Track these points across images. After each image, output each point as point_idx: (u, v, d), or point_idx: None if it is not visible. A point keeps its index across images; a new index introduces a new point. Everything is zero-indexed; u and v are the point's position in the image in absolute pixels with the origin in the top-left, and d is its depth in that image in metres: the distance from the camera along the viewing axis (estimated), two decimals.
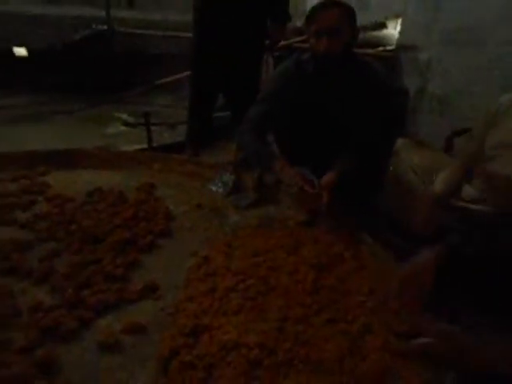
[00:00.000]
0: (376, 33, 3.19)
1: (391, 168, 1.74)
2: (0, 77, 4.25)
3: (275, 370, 0.81)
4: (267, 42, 2.43)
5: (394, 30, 3.16)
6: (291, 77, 1.52)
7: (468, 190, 1.32)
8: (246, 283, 1.05)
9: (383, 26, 3.18)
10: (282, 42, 3.04)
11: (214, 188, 1.83)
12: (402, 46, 3.10)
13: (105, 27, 3.86)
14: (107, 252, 1.27)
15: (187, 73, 3.40)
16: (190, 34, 3.19)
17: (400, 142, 2.01)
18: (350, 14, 1.38)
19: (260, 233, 1.40)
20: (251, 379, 0.79)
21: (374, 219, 1.54)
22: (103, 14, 3.94)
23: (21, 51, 4.45)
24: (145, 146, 2.88)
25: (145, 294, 1.12)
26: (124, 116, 3.85)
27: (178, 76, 3.58)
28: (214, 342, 0.87)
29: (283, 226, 1.48)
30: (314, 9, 1.37)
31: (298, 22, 3.67)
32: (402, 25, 3.12)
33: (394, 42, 3.17)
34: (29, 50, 4.34)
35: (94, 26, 3.90)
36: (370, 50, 3.03)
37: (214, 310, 0.98)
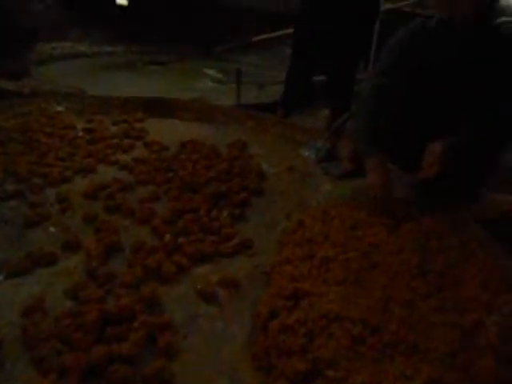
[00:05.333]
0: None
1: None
2: (100, 24, 4.44)
3: (379, 351, 0.77)
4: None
5: None
6: (417, 47, 1.34)
7: None
8: (346, 255, 1.00)
9: None
10: (390, 6, 2.81)
11: (306, 153, 1.77)
12: None
13: None
14: (203, 203, 1.28)
15: (280, 32, 3.30)
16: None
17: None
18: None
19: (356, 205, 1.32)
20: (354, 354, 0.76)
21: (484, 206, 1.40)
22: None
23: (121, 0, 4.58)
24: (232, 103, 2.85)
25: (239, 249, 1.11)
26: (212, 72, 3.85)
27: (273, 34, 3.47)
28: (314, 309, 0.84)
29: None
30: None
31: None
32: None
33: None
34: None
35: None
36: None
37: (313, 276, 0.95)
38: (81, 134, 1.73)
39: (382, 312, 0.85)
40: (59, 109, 1.95)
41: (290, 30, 2.49)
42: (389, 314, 0.85)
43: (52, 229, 1.15)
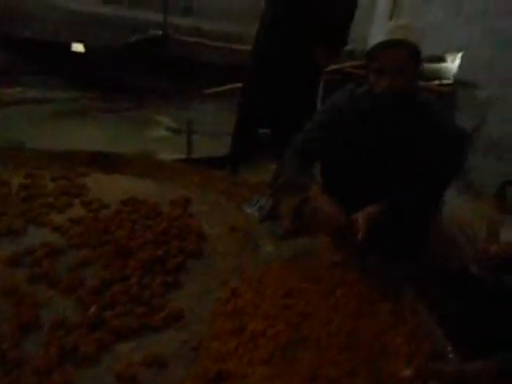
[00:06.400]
0: (432, 65, 3.07)
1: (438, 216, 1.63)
2: (55, 70, 4.41)
3: None
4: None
5: (452, 63, 3.04)
6: (344, 112, 1.44)
7: None
8: (275, 328, 0.99)
9: (441, 59, 3.05)
10: (333, 66, 2.98)
11: (249, 211, 1.77)
12: (460, 82, 2.97)
13: (160, 33, 3.93)
14: (136, 269, 1.24)
15: (236, 85, 3.40)
16: (241, 47, 3.19)
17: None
18: (415, 54, 1.29)
19: (293, 268, 1.32)
20: None
21: (416, 271, 1.43)
22: (161, 18, 4.03)
23: (78, 47, 4.60)
24: (183, 155, 2.87)
25: (169, 322, 1.07)
26: (166, 121, 3.88)
27: (226, 87, 3.58)
28: None
29: (319, 263, 1.40)
30: (380, 45, 1.29)
31: (350, 46, 3.59)
32: (463, 59, 2.99)
33: (451, 77, 3.04)
34: (86, 47, 4.48)
35: (150, 31, 3.98)
36: (424, 83, 2.91)
37: (239, 354, 0.92)
38: (15, 191, 1.66)
39: None
40: None
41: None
42: None
43: None
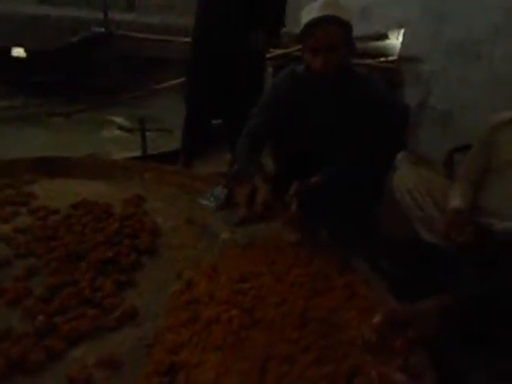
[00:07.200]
0: (377, 43, 3.14)
1: (388, 186, 1.68)
2: None
3: None
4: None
5: (396, 40, 3.11)
6: (286, 91, 1.46)
7: None
8: (229, 314, 0.99)
9: (385, 36, 3.13)
10: (280, 51, 2.99)
11: (204, 202, 1.76)
12: (404, 58, 3.05)
13: (102, 30, 3.81)
14: (86, 272, 1.20)
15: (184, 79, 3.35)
16: (188, 39, 3.14)
17: (399, 157, 1.95)
18: (347, 30, 1.31)
19: (248, 254, 1.33)
20: None
21: (368, 241, 1.47)
22: (102, 15, 3.89)
23: (19, 51, 4.40)
24: (139, 153, 2.82)
25: (123, 321, 1.05)
26: (119, 120, 3.80)
27: (175, 81, 3.52)
28: (190, 382, 0.81)
29: (274, 246, 1.41)
30: (311, 23, 1.30)
31: (298, 29, 3.60)
32: (405, 35, 3.07)
33: (396, 53, 3.12)
34: (27, 51, 4.29)
35: (92, 29, 3.84)
36: (370, 61, 2.97)
37: (193, 343, 0.91)
38: None
39: (260, 374, 0.84)
40: None
41: None
42: (267, 374, 0.84)
43: None
